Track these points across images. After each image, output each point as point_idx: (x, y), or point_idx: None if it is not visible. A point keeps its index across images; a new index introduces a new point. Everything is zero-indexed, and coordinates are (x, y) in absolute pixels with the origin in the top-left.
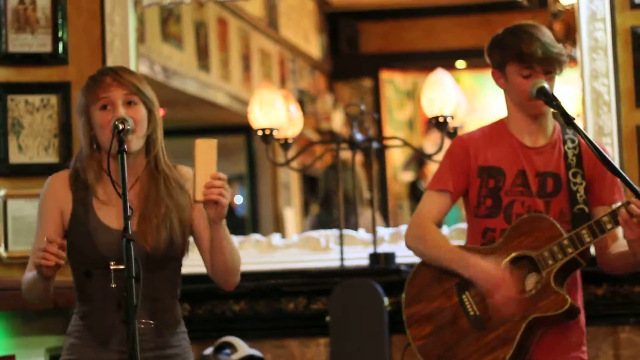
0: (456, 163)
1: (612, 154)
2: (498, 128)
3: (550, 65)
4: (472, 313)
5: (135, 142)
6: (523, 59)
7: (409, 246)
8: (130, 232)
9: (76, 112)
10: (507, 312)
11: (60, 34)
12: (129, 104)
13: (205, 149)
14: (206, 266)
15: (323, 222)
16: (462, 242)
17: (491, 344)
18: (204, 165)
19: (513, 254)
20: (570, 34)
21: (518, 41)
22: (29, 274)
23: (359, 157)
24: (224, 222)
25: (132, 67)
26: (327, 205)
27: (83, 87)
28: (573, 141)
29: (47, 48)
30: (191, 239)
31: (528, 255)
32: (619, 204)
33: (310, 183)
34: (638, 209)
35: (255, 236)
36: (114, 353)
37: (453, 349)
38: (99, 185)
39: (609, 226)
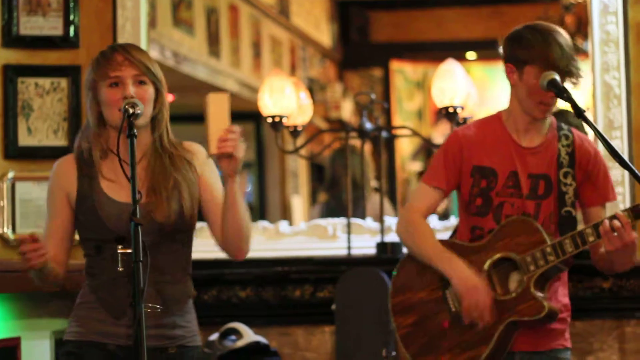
0: (450, 160)
1: (622, 148)
2: (494, 124)
3: (569, 78)
4: (453, 309)
5: (141, 120)
6: (547, 65)
7: (399, 236)
8: (138, 215)
9: (84, 87)
10: (473, 317)
11: (71, 17)
12: (139, 83)
13: (218, 103)
14: (216, 237)
15: (331, 208)
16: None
17: (470, 341)
18: (216, 119)
19: (497, 255)
20: (581, 27)
21: (547, 47)
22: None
23: (368, 146)
24: (237, 178)
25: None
26: (334, 190)
27: (92, 61)
28: (567, 137)
29: (59, 31)
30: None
31: (509, 258)
32: (607, 213)
33: (318, 171)
34: (619, 224)
35: (263, 223)
36: (123, 327)
37: (433, 342)
38: (105, 162)
39: (591, 238)
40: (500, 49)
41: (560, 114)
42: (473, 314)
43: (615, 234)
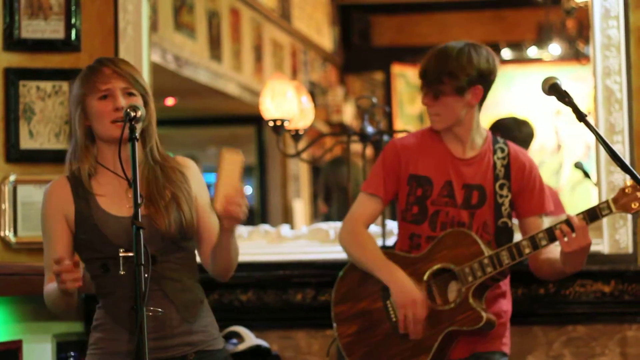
0: (388, 169)
1: (623, 152)
2: (429, 135)
3: (428, 85)
4: (394, 319)
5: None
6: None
7: (341, 245)
8: (139, 220)
9: (71, 103)
10: (408, 329)
11: (73, 20)
12: (128, 94)
13: (232, 161)
14: (203, 259)
15: (329, 218)
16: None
17: (410, 350)
18: (228, 177)
19: (436, 266)
20: (583, 31)
21: (425, 61)
22: (50, 286)
23: (369, 151)
24: (235, 232)
25: (145, 56)
26: (330, 200)
27: (80, 76)
28: (502, 150)
29: (60, 34)
30: None
31: (448, 268)
32: (545, 219)
33: (319, 175)
34: (573, 227)
35: (264, 227)
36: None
37: (375, 351)
38: (97, 178)
39: (527, 250)
40: (503, 52)
41: (497, 124)
42: (409, 326)
43: (574, 235)
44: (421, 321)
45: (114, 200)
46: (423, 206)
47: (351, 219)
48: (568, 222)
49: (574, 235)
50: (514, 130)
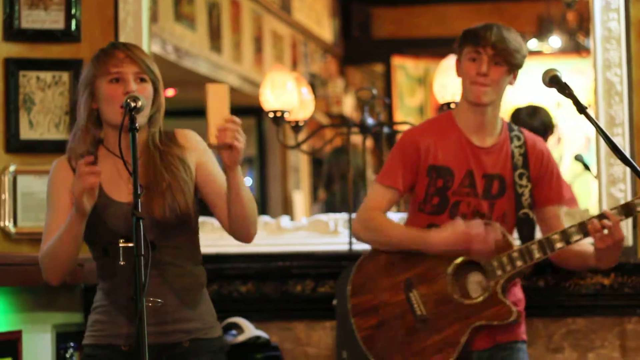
0: (406, 160)
1: (623, 145)
2: (446, 122)
3: (500, 55)
4: (418, 312)
5: (140, 119)
6: (475, 42)
7: (358, 238)
8: (139, 210)
9: (81, 83)
10: (482, 243)
11: (73, 11)
12: (140, 80)
13: (217, 93)
14: (223, 224)
15: (329, 205)
16: None
17: (436, 345)
18: (216, 110)
19: (461, 258)
20: (583, 24)
21: (479, 29)
22: (50, 241)
23: (369, 142)
24: (239, 168)
25: (145, 46)
26: (331, 188)
27: (92, 58)
28: (519, 139)
29: (60, 25)
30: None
31: (473, 261)
32: (563, 208)
33: (319, 166)
34: (609, 222)
35: (264, 218)
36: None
37: (398, 344)
38: (106, 160)
39: (559, 245)
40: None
41: (516, 113)
42: (482, 245)
43: (606, 231)
44: (482, 234)
45: (115, 185)
46: (444, 197)
47: (366, 208)
48: (601, 216)
49: (605, 231)
50: (530, 119)
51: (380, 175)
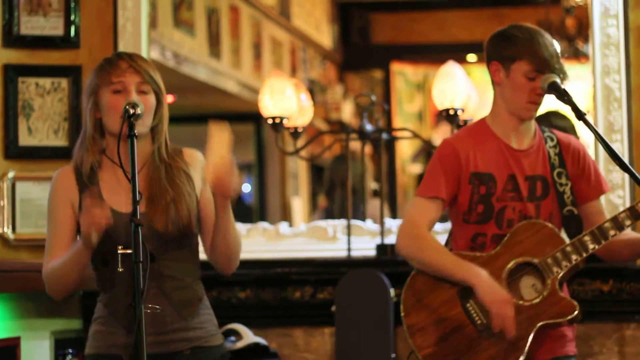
0: (447, 169)
1: (622, 151)
2: (482, 129)
3: (556, 74)
4: (479, 321)
5: (141, 128)
6: (537, 62)
7: (403, 254)
8: (138, 217)
9: (84, 92)
10: (506, 327)
11: (72, 17)
12: (141, 92)
13: (220, 136)
14: (205, 249)
15: (329, 213)
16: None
17: (503, 351)
18: (215, 150)
19: (513, 261)
20: (582, 30)
21: (535, 44)
22: (56, 261)
23: (368, 149)
24: (229, 209)
25: (144, 53)
26: (332, 195)
27: (96, 68)
28: (552, 139)
29: (59, 31)
30: None
31: (527, 262)
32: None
33: (318, 173)
34: None
35: (263, 224)
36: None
37: (464, 357)
38: (102, 172)
39: (611, 232)
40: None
41: (545, 117)
42: (503, 325)
43: None
44: (513, 319)
45: (116, 194)
46: (489, 204)
47: (411, 223)
48: None
49: None
50: (549, 122)
51: (422, 188)
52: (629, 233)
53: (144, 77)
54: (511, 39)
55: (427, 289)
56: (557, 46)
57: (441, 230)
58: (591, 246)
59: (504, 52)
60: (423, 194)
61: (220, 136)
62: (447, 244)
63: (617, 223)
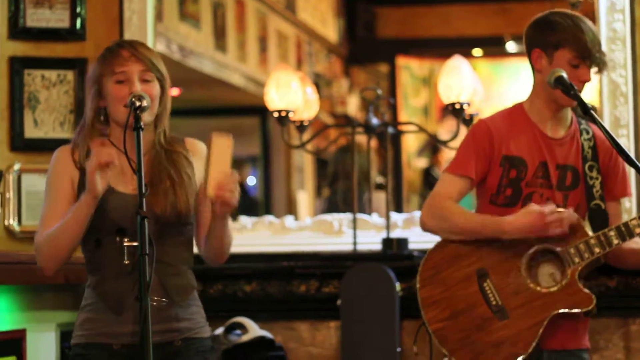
0: (479, 149)
1: (628, 146)
2: (518, 114)
3: (598, 66)
4: (494, 302)
5: (147, 117)
6: (580, 49)
7: (427, 228)
8: (144, 209)
9: (88, 80)
10: (559, 223)
11: (78, 9)
12: (145, 81)
13: (221, 145)
14: (197, 243)
15: (332, 202)
16: None
17: (513, 336)
18: (218, 162)
19: (536, 247)
20: None
21: (580, 31)
22: (53, 228)
23: (374, 142)
24: (227, 217)
25: (149, 45)
26: (335, 186)
27: (99, 56)
28: (588, 132)
29: (65, 23)
30: None
31: (549, 250)
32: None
33: (323, 166)
34: None
35: (269, 218)
36: (127, 325)
37: (474, 335)
38: (112, 151)
39: (638, 230)
40: (508, 45)
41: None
42: (559, 223)
43: None
44: (561, 219)
45: (118, 176)
46: (517, 188)
47: (436, 196)
48: None
49: None
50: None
51: (452, 165)
52: (638, 241)
53: (146, 65)
54: (554, 25)
55: (446, 264)
56: (596, 31)
57: None
58: (615, 242)
59: (547, 38)
60: (452, 171)
61: (222, 147)
62: None
63: None
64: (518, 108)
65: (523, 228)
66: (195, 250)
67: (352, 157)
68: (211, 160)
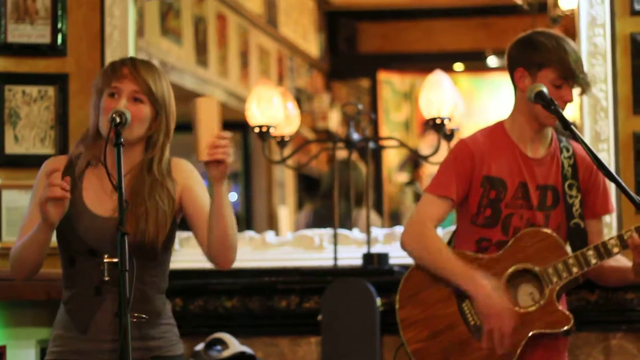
0: (460, 169)
1: (609, 161)
2: (499, 134)
3: (581, 86)
4: (472, 322)
5: (127, 135)
6: (564, 70)
7: (406, 249)
8: (124, 226)
9: (92, 91)
10: (494, 341)
11: (59, 25)
12: (134, 99)
13: (207, 108)
14: (202, 245)
15: (320, 215)
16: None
17: (491, 357)
18: (206, 125)
19: (514, 267)
20: None
21: (563, 51)
22: (21, 240)
23: (355, 157)
24: (225, 181)
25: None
26: (328, 200)
27: (103, 68)
28: (568, 150)
29: (46, 39)
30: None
31: (528, 269)
32: (611, 221)
33: (305, 182)
34: None
35: (249, 233)
36: (93, 342)
37: (453, 356)
38: (93, 171)
39: (615, 250)
40: (489, 59)
41: None
42: (495, 340)
43: None
44: (509, 334)
45: (98, 197)
46: (496, 209)
47: (418, 220)
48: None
49: None
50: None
51: (432, 186)
52: (619, 259)
53: (140, 86)
54: (538, 45)
55: (425, 284)
56: (578, 51)
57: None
58: (594, 261)
59: (531, 58)
60: (433, 192)
61: (208, 110)
62: (450, 242)
63: (622, 240)
64: (499, 127)
65: (484, 309)
66: (191, 256)
67: (334, 172)
68: (199, 124)
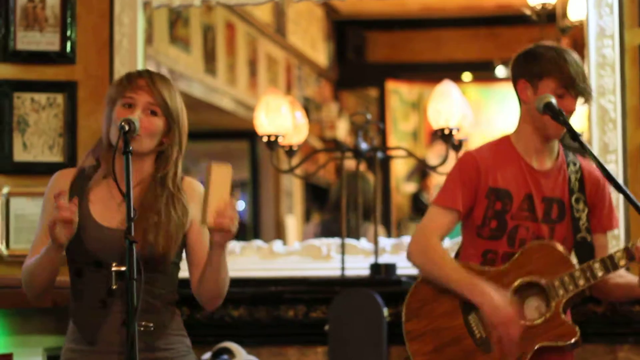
0: (466, 181)
1: (617, 172)
2: (505, 146)
3: (584, 96)
4: (478, 335)
5: (136, 145)
6: (564, 79)
7: (412, 261)
8: (132, 233)
9: (105, 101)
10: (504, 349)
11: (68, 32)
12: (150, 112)
13: (220, 174)
14: (192, 283)
15: (328, 227)
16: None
17: None
18: (217, 190)
19: (520, 280)
20: (578, 50)
21: (563, 62)
22: (32, 259)
23: (363, 167)
24: (225, 247)
25: (139, 69)
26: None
27: (118, 78)
28: (575, 164)
29: (55, 47)
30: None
31: (534, 282)
32: (617, 233)
33: (312, 191)
34: None
35: (257, 242)
36: (102, 355)
37: None
38: (104, 181)
39: (622, 262)
40: (497, 69)
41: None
42: (504, 347)
43: None
44: (516, 341)
45: (106, 209)
46: (502, 220)
47: (424, 232)
48: None
49: None
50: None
51: (439, 197)
52: (624, 275)
53: (155, 99)
54: (538, 56)
55: (431, 297)
56: (580, 63)
57: (450, 245)
58: (600, 274)
59: (531, 69)
60: (440, 203)
61: (221, 176)
62: (457, 255)
63: (629, 253)
64: (505, 140)
65: (492, 317)
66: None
67: (342, 181)
68: (210, 189)
